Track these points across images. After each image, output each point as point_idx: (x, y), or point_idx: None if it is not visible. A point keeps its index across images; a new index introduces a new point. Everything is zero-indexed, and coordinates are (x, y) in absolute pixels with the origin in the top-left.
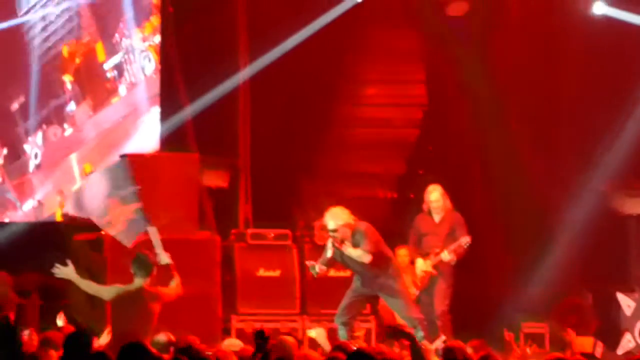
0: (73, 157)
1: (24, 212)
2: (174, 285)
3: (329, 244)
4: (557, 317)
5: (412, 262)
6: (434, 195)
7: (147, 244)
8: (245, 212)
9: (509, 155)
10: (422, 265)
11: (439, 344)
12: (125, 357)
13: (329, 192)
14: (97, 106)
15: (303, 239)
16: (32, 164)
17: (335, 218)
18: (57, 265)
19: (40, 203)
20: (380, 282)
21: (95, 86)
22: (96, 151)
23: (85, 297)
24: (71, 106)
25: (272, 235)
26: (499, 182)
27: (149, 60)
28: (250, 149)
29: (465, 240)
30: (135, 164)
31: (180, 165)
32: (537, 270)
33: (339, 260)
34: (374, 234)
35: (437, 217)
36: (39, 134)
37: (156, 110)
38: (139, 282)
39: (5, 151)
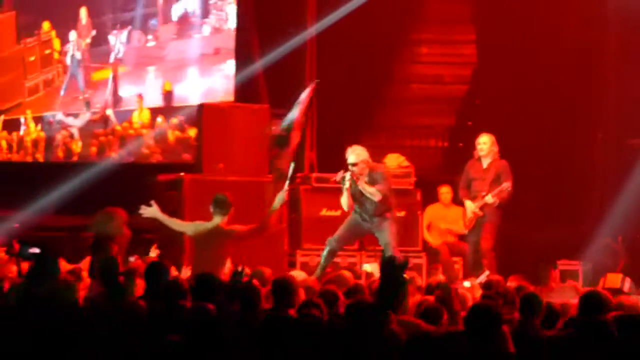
0: (151, 70)
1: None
2: (255, 225)
3: (347, 176)
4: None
5: (454, 200)
6: (482, 138)
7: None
8: (311, 158)
9: (551, 109)
10: (470, 206)
11: (483, 278)
12: (199, 286)
13: (387, 143)
14: (181, 33)
15: None
16: (112, 55)
17: (357, 153)
18: (143, 206)
19: (119, 98)
20: (377, 221)
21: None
22: (174, 74)
23: (169, 233)
24: (154, 21)
25: (334, 179)
26: (541, 132)
27: (230, 13)
28: (316, 101)
29: (506, 185)
30: (211, 113)
31: (252, 115)
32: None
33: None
34: (390, 178)
35: (484, 163)
36: (125, 32)
37: (231, 63)
38: (217, 220)
39: (94, 33)
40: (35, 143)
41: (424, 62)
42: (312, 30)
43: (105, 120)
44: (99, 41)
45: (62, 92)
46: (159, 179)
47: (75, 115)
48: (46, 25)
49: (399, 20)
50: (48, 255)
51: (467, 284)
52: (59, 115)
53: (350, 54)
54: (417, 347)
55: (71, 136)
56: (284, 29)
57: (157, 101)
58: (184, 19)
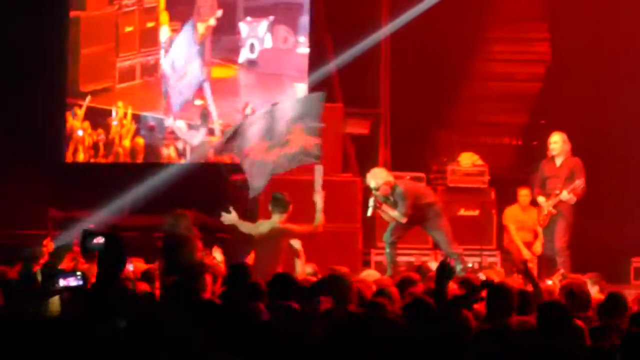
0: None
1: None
2: (310, 225)
3: (371, 202)
4: None
5: (532, 202)
6: (554, 137)
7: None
8: (385, 157)
9: (626, 106)
10: (544, 204)
11: (558, 277)
12: (275, 285)
13: (460, 140)
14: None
15: (436, 181)
16: (243, 53)
17: (376, 177)
18: (223, 213)
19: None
20: (423, 219)
21: None
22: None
23: (238, 234)
24: (305, 17)
25: (408, 177)
26: (615, 129)
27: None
28: (390, 100)
29: (579, 182)
30: None
31: (326, 113)
32: None
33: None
34: (411, 193)
35: (558, 161)
36: (264, 24)
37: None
38: (275, 218)
39: (219, 13)
40: (132, 152)
41: (497, 60)
42: (386, 30)
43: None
44: (225, 27)
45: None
46: (232, 178)
47: (195, 128)
48: None
49: (472, 18)
50: (116, 243)
51: (549, 282)
52: (169, 122)
53: (424, 51)
54: (488, 339)
55: (180, 154)
56: (358, 29)
57: None
58: None
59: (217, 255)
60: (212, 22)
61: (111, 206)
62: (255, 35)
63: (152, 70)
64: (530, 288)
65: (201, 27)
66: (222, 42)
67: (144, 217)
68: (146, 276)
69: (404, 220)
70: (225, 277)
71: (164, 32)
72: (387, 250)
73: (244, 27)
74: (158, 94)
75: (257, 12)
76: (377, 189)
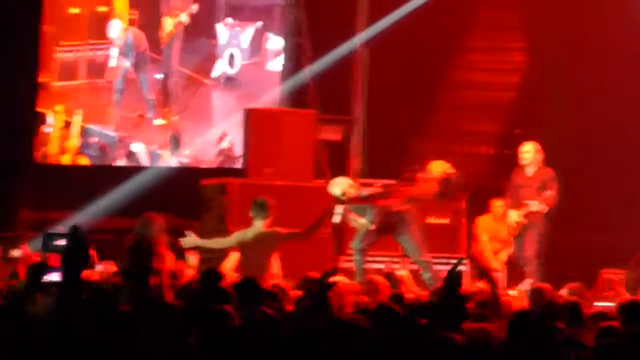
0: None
1: None
2: (299, 230)
3: (339, 210)
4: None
5: (506, 213)
6: (526, 147)
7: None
8: (355, 165)
9: (600, 116)
10: (514, 215)
11: (525, 286)
12: (241, 291)
13: (435, 148)
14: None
15: None
16: (219, 66)
17: (340, 184)
18: (180, 238)
19: None
20: (392, 227)
21: None
22: None
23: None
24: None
25: (380, 185)
26: (590, 139)
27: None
28: (366, 107)
29: (549, 193)
30: (258, 117)
31: (299, 120)
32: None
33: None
34: (377, 194)
35: (529, 171)
36: (249, 31)
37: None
38: (257, 224)
39: (194, 8)
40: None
41: (473, 69)
42: (361, 37)
43: None
44: (198, 29)
45: (117, 96)
46: (203, 183)
47: (157, 157)
48: None
49: (449, 27)
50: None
51: (512, 292)
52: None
53: (401, 59)
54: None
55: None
56: (333, 34)
57: None
58: None
59: (192, 259)
60: (184, 18)
61: (87, 208)
62: (237, 43)
63: (99, 70)
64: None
65: (168, 24)
66: (195, 46)
67: (118, 220)
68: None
69: (371, 227)
70: (196, 281)
71: (115, 27)
72: (356, 257)
73: (222, 31)
74: (108, 102)
75: (242, 14)
76: (343, 195)
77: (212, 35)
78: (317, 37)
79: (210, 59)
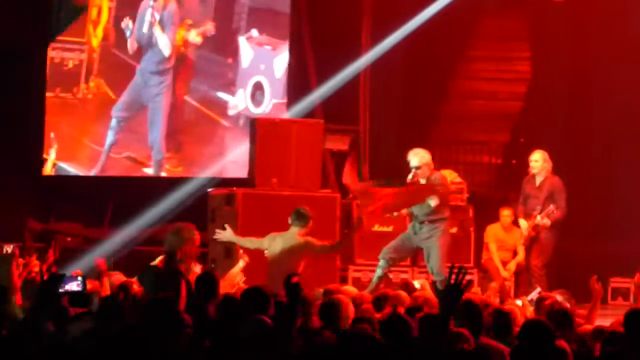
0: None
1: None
2: (331, 242)
3: (410, 178)
4: None
5: (514, 222)
6: (535, 155)
7: None
8: (363, 173)
9: (605, 125)
10: (524, 226)
11: (534, 295)
12: (247, 299)
13: (441, 158)
14: None
15: None
16: (239, 99)
17: (419, 156)
18: (218, 231)
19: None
20: (430, 231)
21: None
22: None
23: (222, 248)
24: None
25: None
26: (595, 148)
27: None
28: (371, 117)
29: (552, 208)
30: (265, 127)
31: (306, 129)
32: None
33: None
34: (448, 185)
35: (538, 180)
36: (285, 54)
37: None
38: (294, 230)
39: (210, 27)
40: None
41: (478, 79)
42: (368, 57)
43: None
44: (218, 42)
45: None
46: (210, 193)
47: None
48: None
49: (454, 37)
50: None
51: (519, 302)
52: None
53: (406, 69)
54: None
55: None
56: (339, 50)
57: None
58: None
59: (197, 269)
60: (194, 38)
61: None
62: (268, 70)
63: (73, 79)
64: (506, 307)
65: (177, 35)
66: (206, 65)
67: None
68: (123, 288)
69: (434, 203)
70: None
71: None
72: (381, 263)
73: (246, 48)
74: (89, 121)
75: (265, 23)
76: (418, 168)
77: (229, 51)
78: (323, 50)
79: (227, 85)
